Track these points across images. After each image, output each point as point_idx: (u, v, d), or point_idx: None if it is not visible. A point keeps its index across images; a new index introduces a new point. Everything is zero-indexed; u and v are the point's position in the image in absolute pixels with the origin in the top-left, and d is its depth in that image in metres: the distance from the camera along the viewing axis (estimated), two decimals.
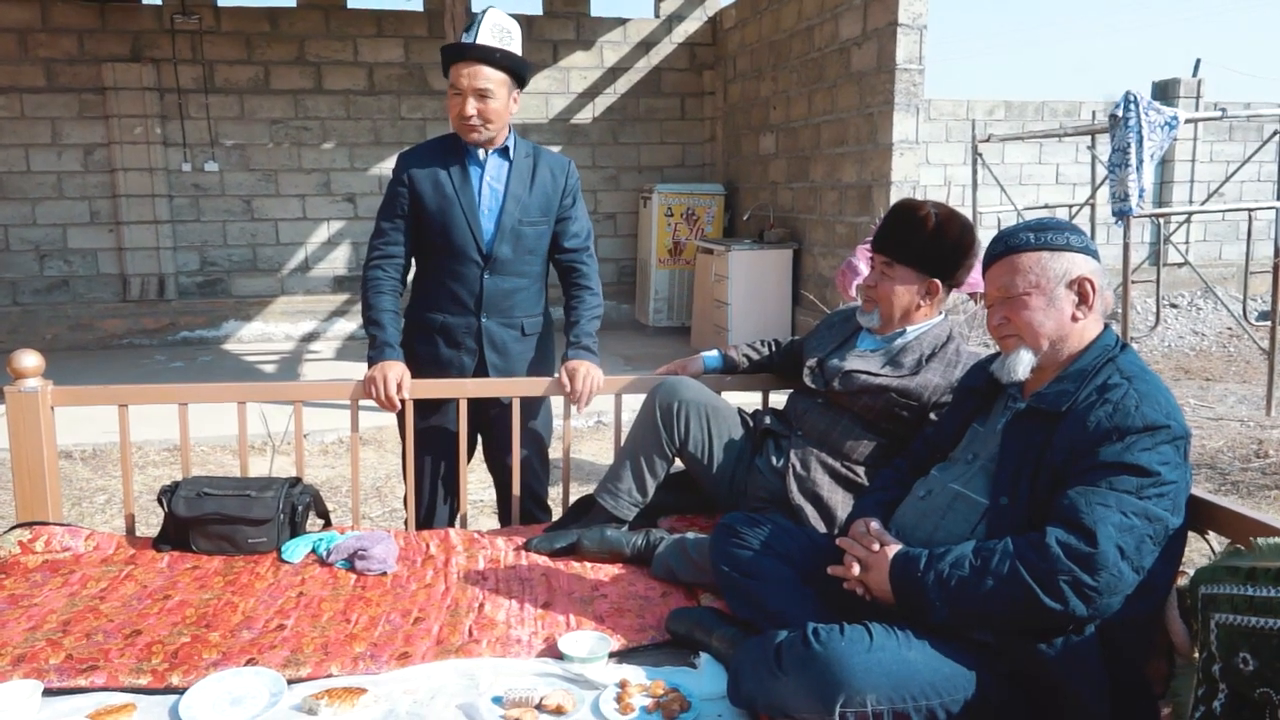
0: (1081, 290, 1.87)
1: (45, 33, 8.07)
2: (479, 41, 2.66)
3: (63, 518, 2.83)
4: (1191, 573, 1.77)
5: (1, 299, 8.33)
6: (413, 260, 2.91)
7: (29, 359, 2.69)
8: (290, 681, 1.90)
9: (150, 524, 3.80)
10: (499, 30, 2.70)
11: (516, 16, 2.89)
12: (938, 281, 2.49)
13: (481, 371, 2.87)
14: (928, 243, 2.44)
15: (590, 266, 2.97)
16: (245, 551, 2.58)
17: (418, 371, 2.82)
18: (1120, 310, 6.00)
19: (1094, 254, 1.91)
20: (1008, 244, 1.92)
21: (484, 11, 2.72)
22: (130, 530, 2.84)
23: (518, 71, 2.75)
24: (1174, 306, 9.64)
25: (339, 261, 8.96)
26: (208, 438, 5.16)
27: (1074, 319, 1.87)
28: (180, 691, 1.87)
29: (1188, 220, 10.19)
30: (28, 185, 8.22)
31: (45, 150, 8.21)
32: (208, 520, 2.58)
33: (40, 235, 8.32)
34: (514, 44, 2.73)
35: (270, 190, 8.70)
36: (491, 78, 2.68)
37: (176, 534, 2.62)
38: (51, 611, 2.22)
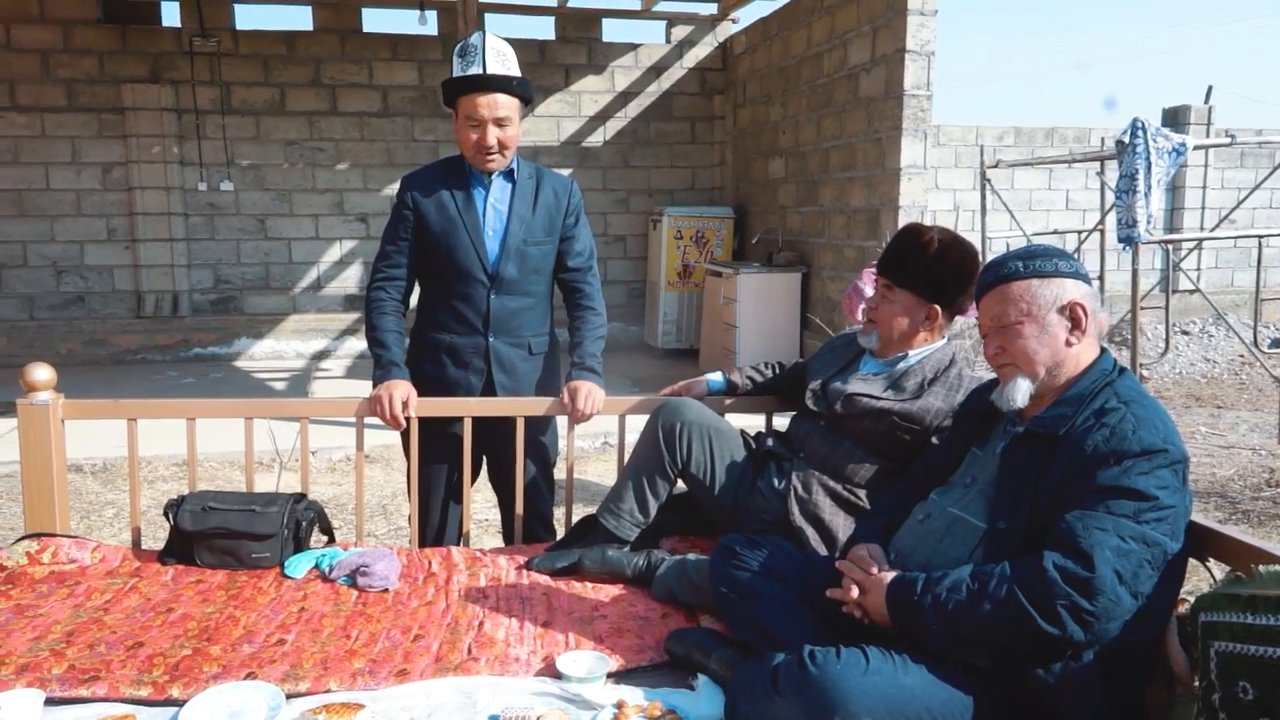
0: (1074, 315, 1.88)
1: (67, 53, 8.18)
2: (489, 70, 2.66)
3: (71, 530, 2.85)
4: (1192, 600, 1.77)
5: (18, 314, 8.41)
6: (416, 282, 2.93)
7: (41, 372, 2.72)
8: (289, 696, 1.91)
9: (157, 538, 3.83)
10: (500, 55, 2.70)
11: (528, 41, 2.93)
12: (937, 308, 2.49)
13: (489, 391, 2.89)
14: (928, 268, 2.45)
15: (593, 286, 2.98)
16: (249, 566, 2.60)
17: (425, 391, 2.83)
18: (1130, 337, 5.99)
19: (1084, 278, 1.92)
20: (998, 274, 1.93)
21: (481, 37, 2.70)
22: (136, 543, 2.86)
23: (527, 95, 2.77)
24: (1185, 333, 9.60)
25: (350, 280, 9.02)
26: (216, 453, 5.19)
27: (1068, 344, 1.88)
28: (180, 704, 1.88)
29: (1198, 247, 10.17)
30: (47, 203, 8.32)
31: (64, 168, 8.31)
32: (212, 534, 2.59)
33: (58, 252, 8.41)
34: (515, 67, 2.74)
35: (284, 210, 8.78)
36: (509, 105, 2.70)
37: (181, 548, 2.64)
38: (56, 622, 2.24)
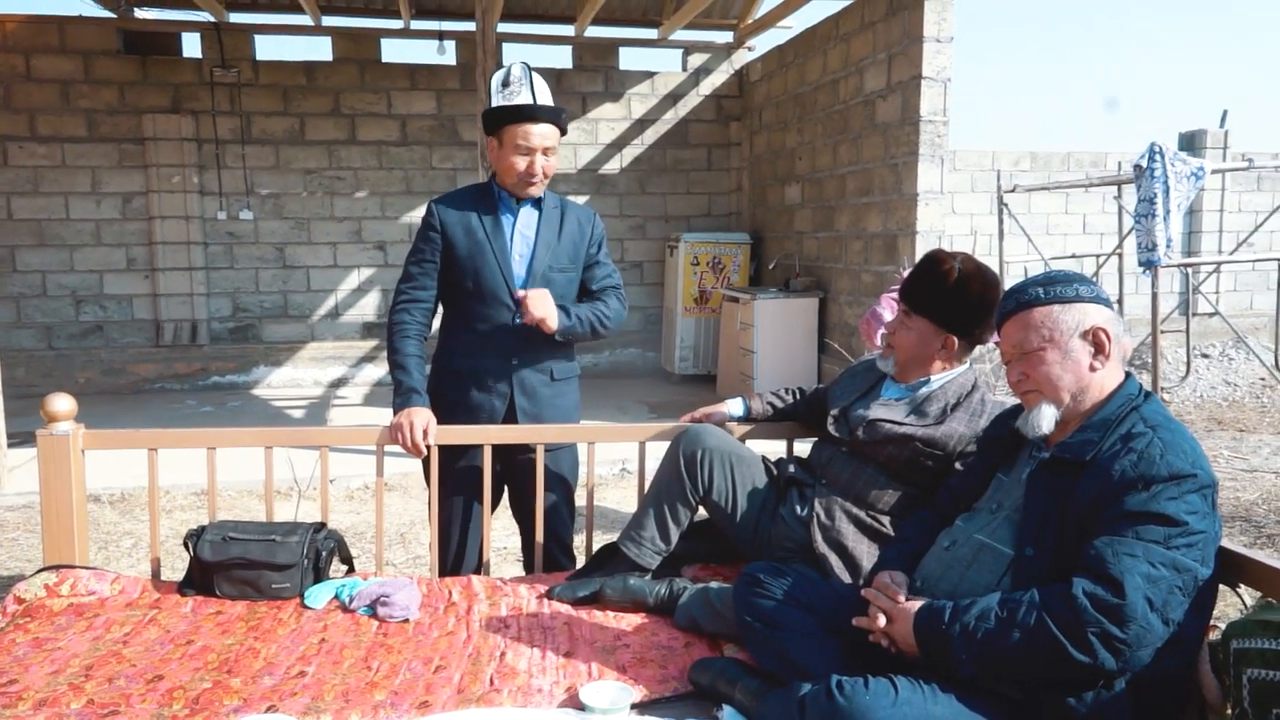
0: (1096, 340, 1.86)
1: (87, 84, 8.30)
2: (539, 101, 2.75)
3: (89, 561, 2.85)
4: (1223, 627, 1.74)
5: (37, 343, 8.48)
6: (439, 306, 2.94)
7: (61, 403, 2.72)
8: None
9: (176, 568, 3.82)
10: (544, 87, 2.79)
11: (546, 70, 2.97)
12: (954, 338, 2.48)
13: (511, 415, 2.88)
14: (947, 297, 2.44)
15: (615, 299, 2.98)
16: (269, 596, 2.58)
17: (448, 416, 2.84)
18: (1150, 360, 5.95)
19: (1106, 302, 1.90)
20: (1018, 300, 1.92)
21: (525, 69, 2.78)
22: (156, 574, 2.85)
23: (565, 128, 2.85)
24: (1205, 357, 9.52)
25: (368, 308, 9.06)
26: (235, 482, 5.19)
27: (1092, 369, 1.86)
28: None
29: (1217, 270, 10.13)
30: (67, 232, 8.40)
31: (85, 198, 8.40)
32: (232, 565, 2.59)
33: (77, 281, 8.49)
34: (550, 99, 2.82)
35: (303, 238, 8.85)
36: (554, 136, 2.79)
37: (201, 578, 2.63)
38: (74, 655, 2.23)
